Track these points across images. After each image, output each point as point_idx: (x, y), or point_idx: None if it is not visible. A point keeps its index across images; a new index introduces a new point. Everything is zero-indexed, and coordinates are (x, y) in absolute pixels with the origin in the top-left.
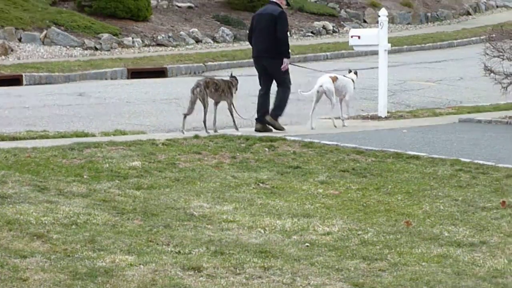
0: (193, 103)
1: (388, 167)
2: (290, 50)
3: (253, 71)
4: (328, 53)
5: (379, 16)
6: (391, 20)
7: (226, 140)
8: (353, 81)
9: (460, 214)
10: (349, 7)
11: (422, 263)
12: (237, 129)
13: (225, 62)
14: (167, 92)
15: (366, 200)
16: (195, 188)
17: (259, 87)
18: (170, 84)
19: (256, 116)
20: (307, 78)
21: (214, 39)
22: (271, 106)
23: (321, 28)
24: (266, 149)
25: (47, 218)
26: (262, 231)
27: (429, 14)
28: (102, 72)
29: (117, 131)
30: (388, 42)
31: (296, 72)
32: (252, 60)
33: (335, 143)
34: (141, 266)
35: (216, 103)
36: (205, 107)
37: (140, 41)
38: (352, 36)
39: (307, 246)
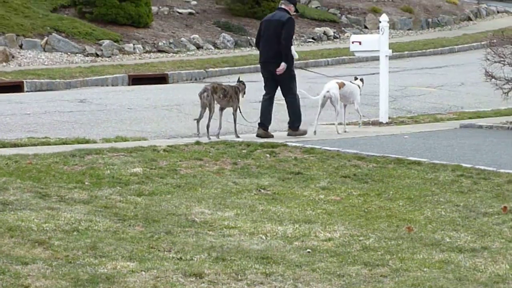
0: (203, 108)
1: (390, 173)
2: (297, 56)
3: (254, 77)
4: (329, 59)
5: (380, 22)
6: (392, 26)
7: (227, 146)
8: (359, 87)
9: (462, 219)
10: (350, 13)
11: (423, 268)
12: (237, 136)
13: (226, 68)
14: (168, 99)
15: (367, 206)
16: (196, 195)
17: (264, 92)
18: (171, 90)
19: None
20: (308, 84)
21: (215, 45)
22: (282, 117)
23: (322, 34)
24: (267, 155)
25: (49, 224)
26: (264, 237)
27: (430, 20)
28: (103, 79)
29: (118, 138)
30: (389, 48)
31: (297, 78)
32: (250, 66)
33: (336, 149)
34: (143, 272)
35: (222, 109)
36: (210, 111)
37: (141, 47)
38: (353, 42)
39: (309, 252)
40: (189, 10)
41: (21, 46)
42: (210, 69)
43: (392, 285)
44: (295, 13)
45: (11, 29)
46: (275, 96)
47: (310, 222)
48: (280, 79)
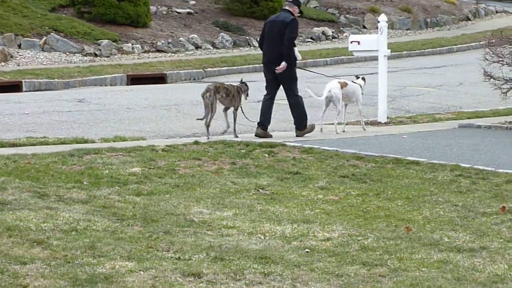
0: (207, 108)
1: (388, 173)
2: (300, 57)
3: (253, 77)
4: (327, 59)
5: (378, 22)
6: (391, 25)
7: (226, 146)
8: (361, 87)
9: (460, 219)
10: (349, 13)
11: (422, 268)
12: (236, 136)
13: (225, 68)
14: (166, 98)
15: (366, 205)
16: (195, 194)
17: (265, 93)
18: (170, 90)
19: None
20: (306, 84)
21: (214, 45)
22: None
23: (321, 34)
24: (266, 155)
25: (47, 224)
26: (262, 237)
27: (428, 20)
28: (102, 78)
29: (117, 137)
30: (388, 48)
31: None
32: (249, 66)
33: (335, 148)
34: (141, 272)
35: (226, 109)
36: (211, 111)
37: (140, 47)
38: (351, 42)
39: (307, 252)
40: (188, 10)
41: (19, 46)
42: (209, 69)
43: (390, 285)
44: (299, 14)
45: (9, 28)
46: (275, 97)
47: (308, 222)
48: (282, 81)
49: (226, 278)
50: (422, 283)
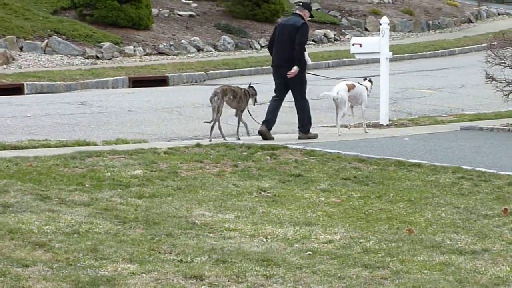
0: (214, 111)
1: (390, 175)
2: (310, 61)
3: (255, 79)
4: (329, 61)
5: (380, 24)
6: (393, 28)
7: (228, 148)
8: (367, 88)
9: (462, 221)
10: (351, 15)
11: (424, 271)
12: (238, 138)
13: (227, 70)
14: (168, 101)
15: (368, 208)
16: (197, 197)
17: (273, 95)
18: (172, 93)
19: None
20: (308, 86)
21: (216, 48)
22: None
23: (323, 36)
24: (268, 157)
25: (49, 227)
26: (264, 239)
27: (430, 22)
28: (104, 81)
29: (119, 140)
30: (390, 50)
31: None
32: (250, 68)
33: (336, 151)
34: (143, 274)
35: (237, 112)
36: (217, 113)
37: (142, 49)
38: (353, 44)
39: (309, 254)
40: (190, 12)
41: (21, 49)
42: (211, 71)
43: (392, 287)
44: (310, 18)
45: (11, 31)
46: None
47: (310, 224)
48: (292, 84)
49: (228, 281)
50: (424, 285)
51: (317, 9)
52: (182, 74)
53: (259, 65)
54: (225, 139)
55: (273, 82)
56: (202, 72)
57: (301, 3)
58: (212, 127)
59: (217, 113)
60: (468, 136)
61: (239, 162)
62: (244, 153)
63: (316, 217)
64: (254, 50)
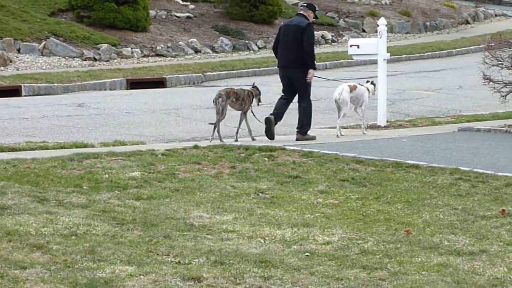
0: (218, 113)
1: (388, 176)
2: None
3: (252, 81)
4: (327, 63)
5: (378, 25)
6: (390, 29)
7: (225, 150)
8: (368, 90)
9: (460, 223)
10: (348, 17)
11: (422, 272)
12: (236, 140)
13: (224, 72)
14: (166, 103)
15: (365, 209)
16: (194, 198)
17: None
18: (169, 95)
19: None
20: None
21: (213, 49)
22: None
23: (320, 38)
24: (266, 158)
25: (47, 229)
26: (262, 241)
27: (428, 23)
28: (101, 83)
29: (117, 142)
30: (387, 51)
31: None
32: (248, 70)
33: (334, 152)
34: (141, 276)
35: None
36: (221, 115)
37: (139, 51)
38: (351, 46)
39: (307, 255)
40: (187, 14)
41: (19, 51)
42: (208, 73)
43: None
44: (314, 19)
45: (8, 33)
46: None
47: (308, 225)
48: (298, 85)
49: (226, 282)
50: (422, 286)
51: None
52: (180, 75)
53: (257, 67)
54: (222, 141)
55: (271, 84)
56: (200, 74)
57: (305, 4)
58: (215, 126)
59: (221, 115)
60: (465, 137)
61: (237, 164)
62: (241, 155)
63: (314, 219)
64: (251, 51)
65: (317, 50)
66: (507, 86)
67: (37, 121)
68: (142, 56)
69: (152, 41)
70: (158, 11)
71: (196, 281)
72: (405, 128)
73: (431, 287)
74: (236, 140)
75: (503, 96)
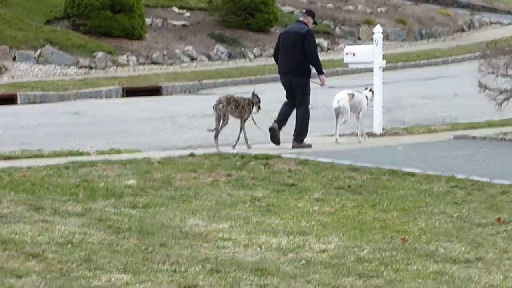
0: (217, 119)
1: (384, 184)
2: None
3: (248, 89)
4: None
5: (373, 33)
6: (386, 37)
7: (221, 158)
8: (367, 97)
9: (456, 230)
10: (344, 24)
11: (418, 279)
12: (234, 147)
13: (220, 80)
14: (162, 111)
15: (361, 217)
16: (190, 206)
17: (285, 100)
18: (165, 103)
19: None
20: None
21: (209, 57)
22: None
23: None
24: (262, 166)
25: (43, 237)
26: (258, 249)
27: (423, 31)
28: (97, 91)
29: (112, 150)
30: (383, 59)
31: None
32: (244, 78)
33: (330, 160)
34: (137, 285)
35: (241, 121)
36: (224, 121)
37: (135, 59)
38: (346, 53)
39: (303, 263)
40: (183, 22)
41: (14, 59)
42: (204, 81)
43: None
44: (313, 25)
45: (4, 41)
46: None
47: (304, 233)
48: (297, 92)
49: None
50: None
51: None
52: (176, 83)
53: (253, 75)
54: (218, 150)
55: (267, 91)
56: (196, 82)
57: (304, 10)
58: (218, 132)
59: (223, 121)
60: (461, 145)
61: (233, 172)
62: (238, 163)
63: (310, 227)
64: (247, 59)
65: None
66: (503, 94)
67: (33, 129)
68: (138, 64)
69: (148, 49)
70: (154, 19)
71: None
72: (401, 136)
73: None
74: (233, 148)
75: (499, 104)
